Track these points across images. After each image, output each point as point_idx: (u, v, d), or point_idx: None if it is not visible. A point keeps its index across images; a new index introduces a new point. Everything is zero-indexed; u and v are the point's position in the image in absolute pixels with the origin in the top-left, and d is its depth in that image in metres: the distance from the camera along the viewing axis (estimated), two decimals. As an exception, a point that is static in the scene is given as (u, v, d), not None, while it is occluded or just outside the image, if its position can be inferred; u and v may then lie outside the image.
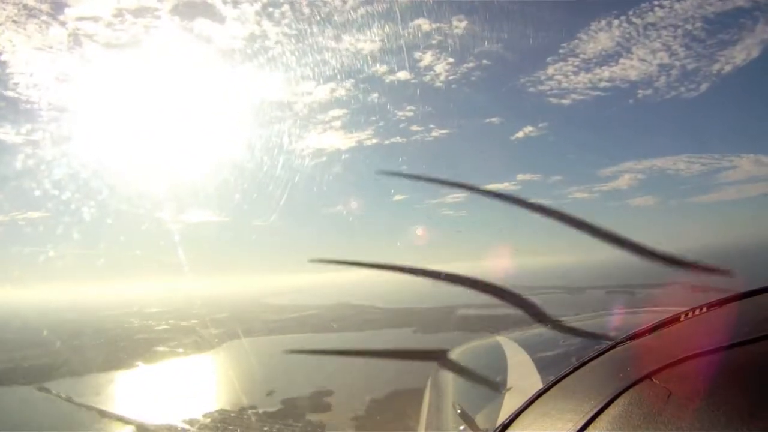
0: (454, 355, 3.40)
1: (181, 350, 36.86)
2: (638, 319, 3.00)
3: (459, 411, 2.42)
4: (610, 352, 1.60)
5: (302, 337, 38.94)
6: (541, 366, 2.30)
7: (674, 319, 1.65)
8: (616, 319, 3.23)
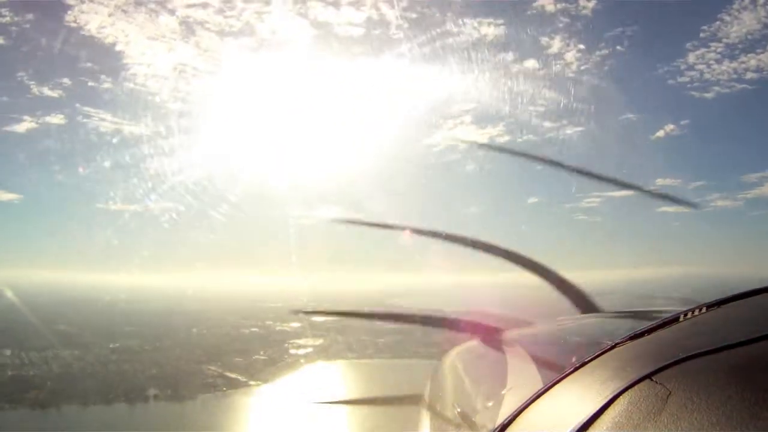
0: (454, 354, 3.38)
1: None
2: (638, 319, 2.95)
3: (459, 411, 2.45)
4: (610, 352, 1.60)
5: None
6: (541, 366, 2.25)
7: (674, 319, 1.65)
8: (616, 320, 3.25)
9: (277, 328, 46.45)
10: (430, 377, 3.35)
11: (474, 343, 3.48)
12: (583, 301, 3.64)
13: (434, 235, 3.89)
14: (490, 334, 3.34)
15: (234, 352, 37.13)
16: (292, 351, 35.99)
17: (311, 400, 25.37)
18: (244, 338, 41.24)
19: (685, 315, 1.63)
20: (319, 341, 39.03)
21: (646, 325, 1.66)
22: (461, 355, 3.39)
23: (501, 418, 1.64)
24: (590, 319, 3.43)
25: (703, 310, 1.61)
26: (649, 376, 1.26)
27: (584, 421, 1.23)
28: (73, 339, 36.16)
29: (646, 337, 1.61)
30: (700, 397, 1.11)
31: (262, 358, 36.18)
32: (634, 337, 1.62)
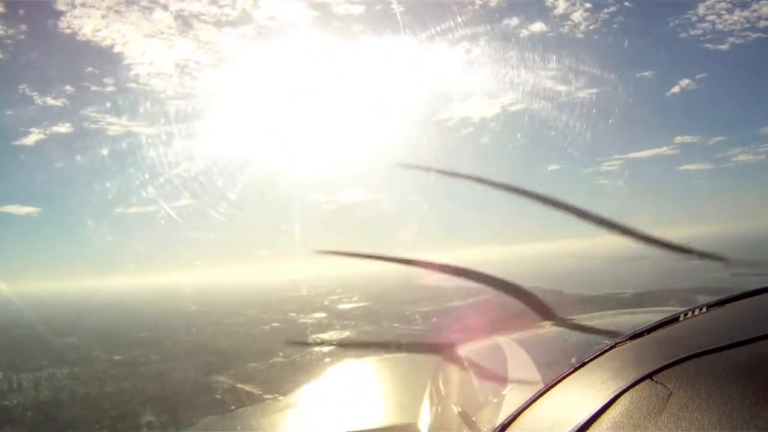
0: (454, 354, 3.37)
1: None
2: (638, 319, 2.91)
3: (459, 411, 2.43)
4: (610, 352, 1.60)
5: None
6: (541, 366, 2.25)
7: (674, 319, 1.66)
8: (616, 319, 3.28)
9: (300, 320, 44.44)
10: (430, 377, 3.29)
11: (474, 343, 3.45)
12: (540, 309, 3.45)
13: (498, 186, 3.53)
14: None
15: (251, 354, 33.71)
16: (316, 349, 31.76)
17: (335, 416, 21.47)
18: (263, 336, 38.33)
19: (685, 315, 1.65)
20: (346, 333, 36.56)
21: (646, 325, 1.68)
22: (462, 353, 3.33)
23: (501, 418, 1.66)
24: (590, 319, 3.38)
25: (704, 309, 1.63)
26: (649, 376, 1.27)
27: (585, 420, 1.24)
28: (77, 352, 34.14)
29: (646, 337, 1.61)
30: (701, 396, 1.11)
31: (281, 360, 32.14)
32: (634, 337, 1.63)
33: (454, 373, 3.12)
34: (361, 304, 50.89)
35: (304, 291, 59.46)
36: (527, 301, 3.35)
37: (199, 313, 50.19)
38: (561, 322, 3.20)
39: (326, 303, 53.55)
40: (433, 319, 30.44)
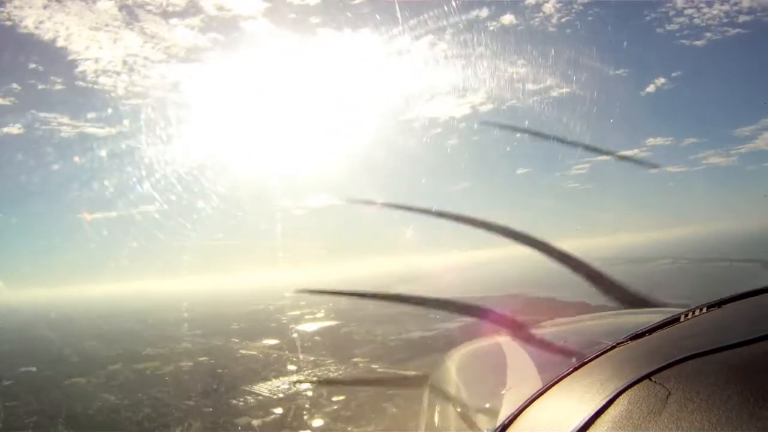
0: (454, 354, 3.39)
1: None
2: (638, 319, 3.00)
3: (458, 411, 2.47)
4: (610, 352, 1.61)
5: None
6: (541, 366, 2.29)
7: (674, 319, 1.66)
8: (616, 319, 3.31)
9: (239, 352, 35.81)
10: (430, 377, 3.31)
11: (474, 343, 3.46)
12: (592, 275, 3.63)
13: (440, 215, 3.98)
14: (509, 326, 3.36)
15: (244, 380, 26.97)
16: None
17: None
18: (171, 383, 28.74)
19: (686, 315, 1.65)
20: (295, 378, 27.29)
21: (646, 325, 1.68)
22: (462, 353, 3.36)
23: (501, 418, 1.66)
24: (590, 319, 3.43)
25: (703, 310, 1.64)
26: (648, 376, 1.27)
27: (584, 421, 1.24)
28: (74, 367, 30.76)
29: (646, 337, 1.61)
30: (700, 397, 1.11)
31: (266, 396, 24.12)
32: (634, 337, 1.63)
33: (454, 373, 3.12)
34: (327, 324, 43.08)
35: (263, 304, 54.62)
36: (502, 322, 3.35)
37: (117, 333, 45.02)
38: (560, 323, 3.30)
39: (285, 320, 47.84)
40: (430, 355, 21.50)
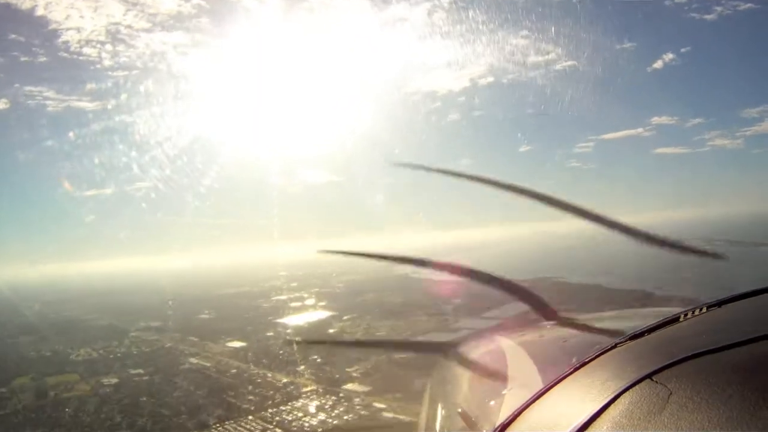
0: (454, 354, 3.38)
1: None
2: (638, 319, 2.87)
3: (459, 411, 2.43)
4: (610, 352, 1.61)
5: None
6: (541, 366, 2.25)
7: (674, 319, 1.66)
8: (616, 319, 3.27)
9: (187, 362, 28.07)
10: (430, 377, 3.31)
11: (474, 343, 3.43)
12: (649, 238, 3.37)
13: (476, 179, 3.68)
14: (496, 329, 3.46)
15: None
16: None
17: None
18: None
19: (685, 315, 1.65)
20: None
21: (646, 325, 1.68)
22: (462, 353, 3.33)
23: (501, 418, 1.65)
24: (590, 319, 3.34)
25: (704, 310, 1.64)
26: (649, 376, 1.27)
27: (585, 420, 1.24)
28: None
29: (646, 337, 1.61)
30: (701, 397, 1.11)
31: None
32: (634, 337, 1.63)
33: (454, 373, 3.11)
34: (317, 317, 35.10)
35: (249, 286, 48.76)
36: (531, 303, 3.36)
37: (61, 325, 38.74)
38: (563, 321, 3.19)
39: (265, 307, 38.31)
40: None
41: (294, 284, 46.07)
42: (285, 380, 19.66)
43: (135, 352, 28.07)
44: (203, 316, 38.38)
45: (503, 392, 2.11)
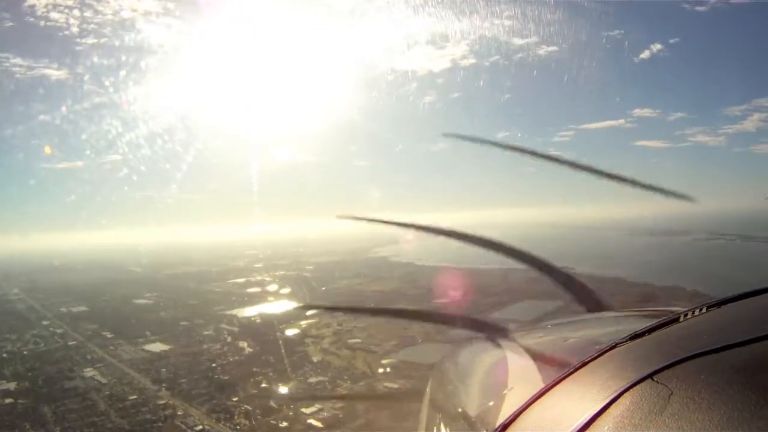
0: (454, 354, 3.40)
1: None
2: (638, 320, 2.96)
3: (459, 411, 2.43)
4: (610, 352, 1.61)
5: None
6: (542, 366, 2.26)
7: (674, 319, 1.66)
8: (616, 320, 3.27)
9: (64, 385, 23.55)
10: (430, 377, 3.31)
11: (475, 342, 3.43)
12: (586, 297, 3.55)
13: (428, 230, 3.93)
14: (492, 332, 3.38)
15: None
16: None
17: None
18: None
19: (686, 315, 1.65)
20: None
21: (646, 325, 1.67)
22: (462, 353, 3.35)
23: (501, 418, 1.65)
24: (590, 319, 3.39)
25: (704, 310, 1.64)
26: (650, 376, 1.27)
27: (585, 421, 1.25)
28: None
29: (647, 337, 1.62)
30: (702, 397, 1.12)
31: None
32: (634, 337, 1.63)
33: (454, 372, 3.14)
34: (274, 309, 29.15)
35: (208, 265, 44.24)
36: (568, 287, 3.40)
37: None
38: (557, 324, 3.23)
39: (217, 292, 33.60)
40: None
41: (258, 265, 40.09)
42: (199, 428, 13.18)
43: (26, 353, 21.66)
44: (140, 301, 32.34)
45: (503, 392, 2.10)
